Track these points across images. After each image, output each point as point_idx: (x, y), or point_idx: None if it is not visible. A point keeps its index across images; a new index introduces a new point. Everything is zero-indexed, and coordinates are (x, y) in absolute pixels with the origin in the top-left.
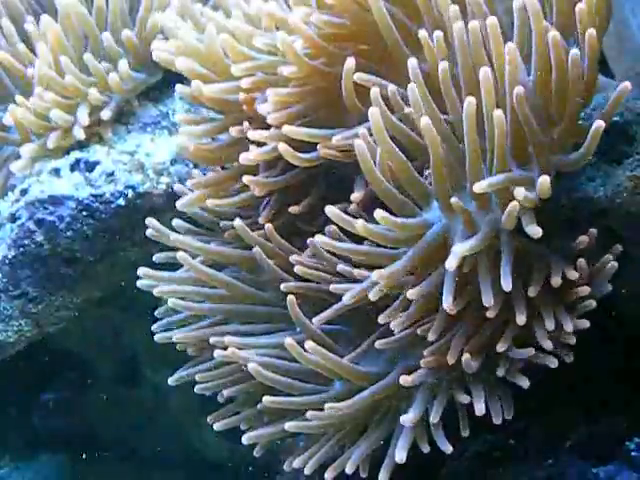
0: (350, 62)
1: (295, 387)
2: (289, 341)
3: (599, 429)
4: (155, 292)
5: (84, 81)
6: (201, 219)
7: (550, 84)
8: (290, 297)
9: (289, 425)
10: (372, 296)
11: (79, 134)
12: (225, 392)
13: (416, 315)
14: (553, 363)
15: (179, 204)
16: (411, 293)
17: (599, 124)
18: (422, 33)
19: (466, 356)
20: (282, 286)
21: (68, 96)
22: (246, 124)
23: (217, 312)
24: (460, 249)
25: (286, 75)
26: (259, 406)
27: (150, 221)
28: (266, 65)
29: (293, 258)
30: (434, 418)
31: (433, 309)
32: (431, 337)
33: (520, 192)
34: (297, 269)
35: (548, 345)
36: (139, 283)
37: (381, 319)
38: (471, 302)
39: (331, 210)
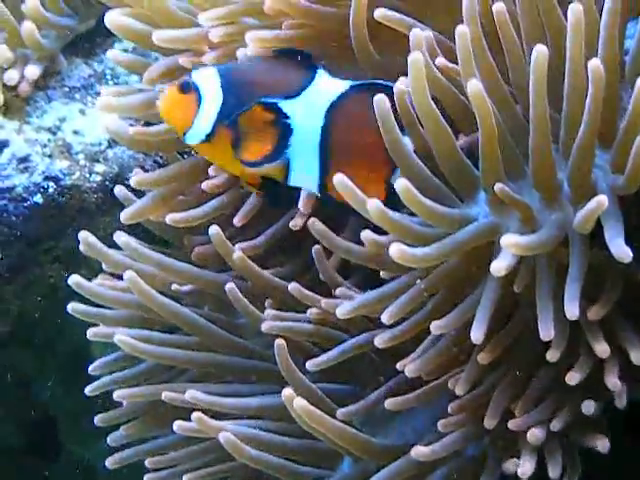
0: None
1: (286, 471)
2: (287, 392)
3: None
4: (89, 335)
5: None
6: (158, 230)
7: None
8: (279, 341)
9: None
10: (384, 274)
11: None
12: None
13: (443, 356)
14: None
15: (124, 215)
16: (437, 325)
17: None
18: None
19: (532, 431)
20: (263, 326)
21: None
22: None
23: (181, 361)
24: (514, 240)
25: (268, 12)
26: None
27: (84, 236)
28: (248, 9)
29: (292, 287)
30: None
31: (467, 348)
32: (459, 391)
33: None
34: (291, 288)
35: (614, 384)
36: (71, 308)
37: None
38: (519, 338)
39: (340, 179)
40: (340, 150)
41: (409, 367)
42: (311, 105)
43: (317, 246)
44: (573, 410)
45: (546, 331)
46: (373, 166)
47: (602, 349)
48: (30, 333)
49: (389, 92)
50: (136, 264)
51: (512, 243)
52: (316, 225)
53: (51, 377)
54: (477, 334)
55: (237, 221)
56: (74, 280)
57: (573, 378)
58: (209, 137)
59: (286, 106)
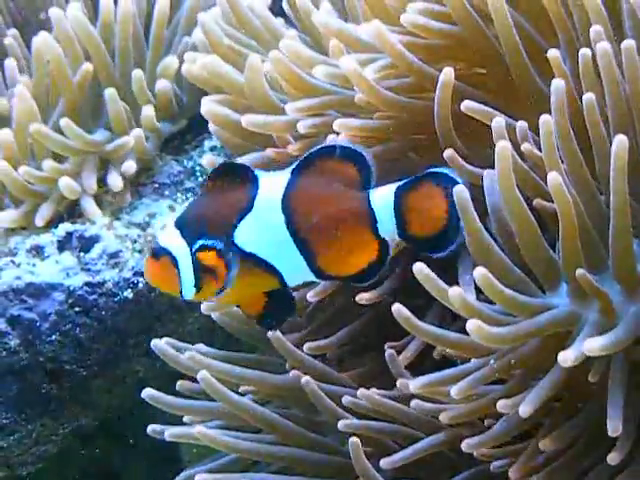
0: (448, 72)
1: None
2: None
3: None
4: (167, 436)
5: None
6: (241, 333)
7: None
8: (354, 440)
9: None
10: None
11: (90, 209)
12: None
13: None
14: None
15: (204, 307)
16: (504, 404)
17: None
18: (553, 53)
19: None
20: (340, 424)
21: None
22: None
23: (260, 453)
24: (591, 345)
25: (359, 102)
26: None
27: (156, 343)
28: (338, 102)
29: (361, 393)
30: None
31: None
32: (513, 475)
33: None
34: (360, 394)
35: None
36: (150, 430)
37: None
38: (585, 432)
39: (419, 267)
40: (313, 232)
41: (468, 442)
42: (267, 210)
43: (390, 350)
44: None
45: (614, 426)
46: (351, 224)
47: None
48: (118, 426)
49: (328, 153)
50: (211, 367)
51: (591, 348)
52: (402, 312)
53: (137, 470)
54: (525, 408)
55: (311, 296)
56: (148, 394)
57: None
58: (197, 285)
59: (245, 223)
